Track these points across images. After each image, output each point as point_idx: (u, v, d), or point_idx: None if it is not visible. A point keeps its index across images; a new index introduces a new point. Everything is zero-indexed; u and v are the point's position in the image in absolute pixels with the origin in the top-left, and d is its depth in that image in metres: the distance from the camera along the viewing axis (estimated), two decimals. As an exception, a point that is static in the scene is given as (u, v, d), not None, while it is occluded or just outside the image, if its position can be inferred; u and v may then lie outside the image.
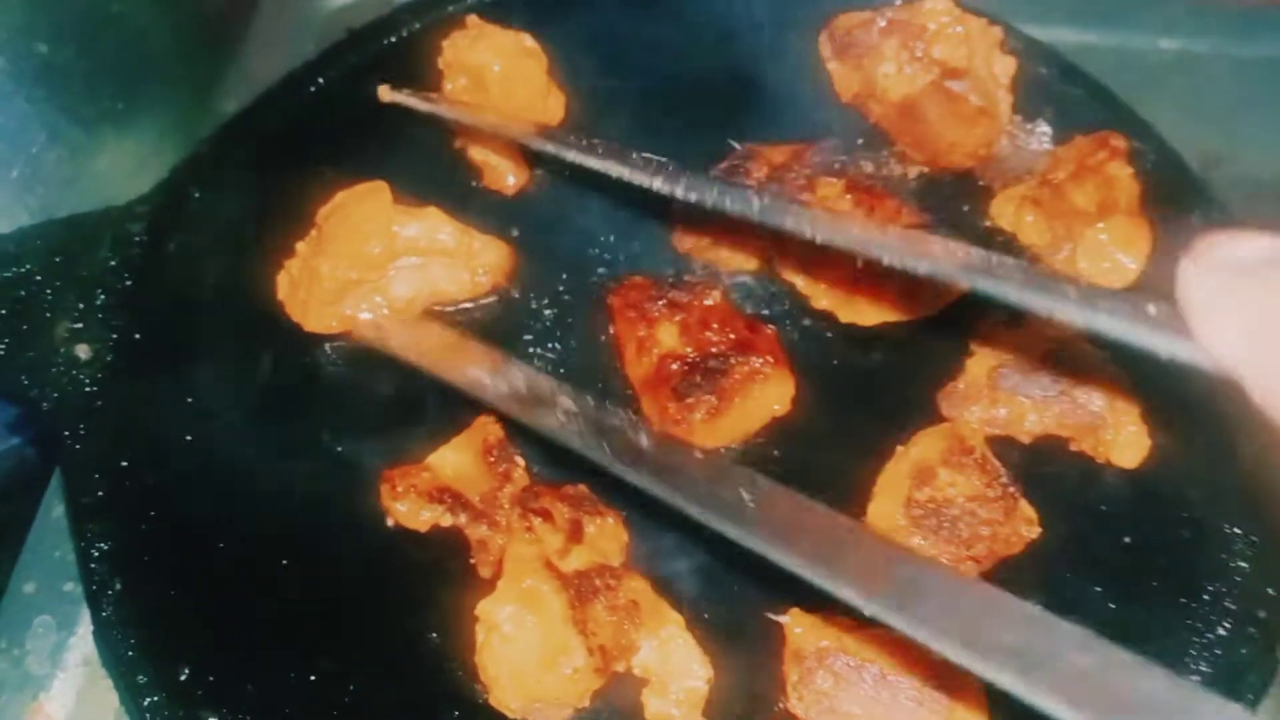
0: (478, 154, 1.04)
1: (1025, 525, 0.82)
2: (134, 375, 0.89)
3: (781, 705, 0.77)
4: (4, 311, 0.89)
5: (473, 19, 1.04)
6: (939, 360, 0.91)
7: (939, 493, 0.82)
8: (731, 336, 0.90)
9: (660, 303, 0.92)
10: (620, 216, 1.01)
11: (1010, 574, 0.80)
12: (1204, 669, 0.76)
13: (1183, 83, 1.24)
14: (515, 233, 1.00)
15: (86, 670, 0.87)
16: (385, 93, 1.00)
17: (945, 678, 0.73)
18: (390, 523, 0.85)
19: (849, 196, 0.95)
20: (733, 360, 0.88)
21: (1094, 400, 0.86)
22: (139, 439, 0.86)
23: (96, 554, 0.80)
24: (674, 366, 0.88)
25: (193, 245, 0.96)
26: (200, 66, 1.27)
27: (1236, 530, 0.81)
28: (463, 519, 0.83)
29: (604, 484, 0.84)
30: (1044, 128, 1.03)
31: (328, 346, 0.94)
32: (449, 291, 0.96)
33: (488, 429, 0.87)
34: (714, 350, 0.89)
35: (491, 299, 0.98)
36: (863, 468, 0.85)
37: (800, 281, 0.96)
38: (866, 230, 0.71)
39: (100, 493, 0.83)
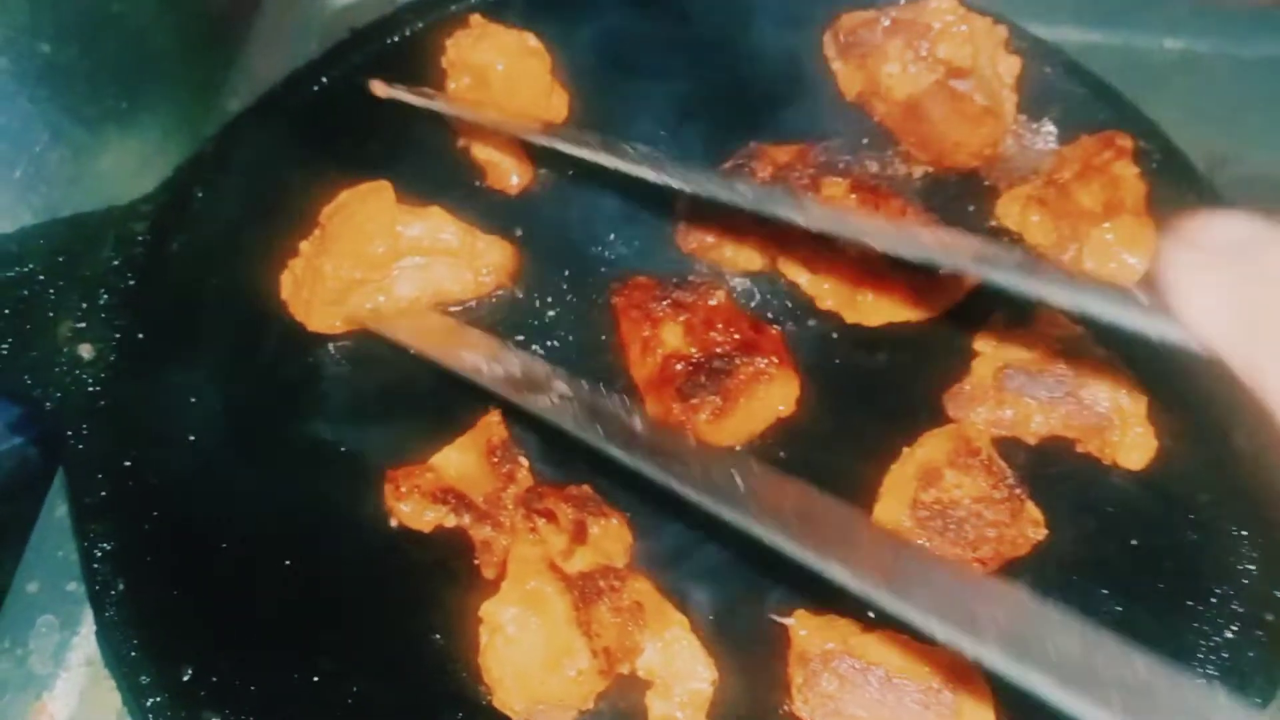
0: (481, 153, 1.04)
1: (1031, 527, 0.82)
2: (137, 375, 0.89)
3: (786, 708, 0.76)
4: (7, 311, 0.89)
5: (476, 18, 1.04)
6: (944, 361, 0.91)
7: (945, 494, 0.82)
8: (736, 337, 0.89)
9: (665, 303, 0.92)
10: (624, 216, 1.00)
11: (1016, 576, 0.80)
12: (1211, 672, 0.76)
13: (1187, 82, 1.23)
14: (519, 232, 1.00)
15: (89, 670, 0.87)
16: (380, 88, 0.99)
17: (951, 680, 0.73)
18: (393, 523, 0.85)
19: (854, 196, 0.94)
20: (738, 361, 0.88)
21: (1100, 401, 0.86)
22: (142, 439, 0.86)
23: (99, 554, 0.80)
24: (679, 367, 0.88)
25: (196, 245, 0.96)
26: (203, 66, 1.27)
27: (1244, 532, 0.81)
28: (466, 520, 0.83)
29: (608, 485, 0.84)
30: (1049, 127, 1.03)
31: (331, 346, 0.94)
32: (452, 291, 0.96)
33: (491, 429, 0.87)
34: (719, 350, 0.88)
35: (495, 299, 0.97)
36: (868, 469, 0.85)
37: (805, 282, 0.96)
38: (857, 217, 0.70)
39: (103, 492, 0.83)
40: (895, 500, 0.82)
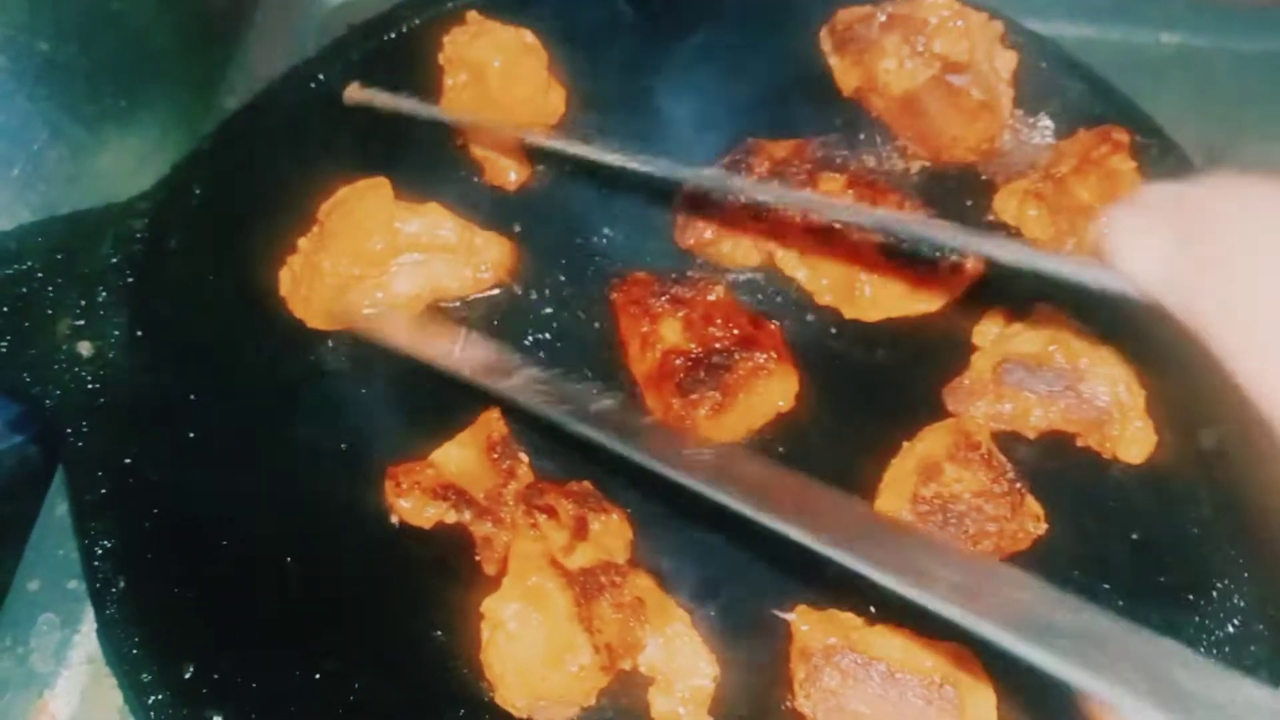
0: (479, 150, 1.04)
1: (1032, 521, 0.82)
2: (136, 372, 0.88)
3: (788, 703, 0.77)
4: (6, 309, 0.89)
5: (473, 15, 1.04)
6: (944, 355, 0.91)
7: (945, 488, 0.82)
8: (735, 332, 0.89)
9: (663, 298, 0.92)
10: (622, 212, 1.00)
11: (1016, 570, 0.80)
12: (1212, 666, 0.76)
13: (1184, 77, 1.24)
14: (517, 228, 1.00)
15: (91, 668, 0.87)
16: (353, 92, 0.98)
17: (954, 675, 0.73)
18: (394, 520, 0.85)
19: (851, 191, 0.94)
20: (737, 356, 0.88)
21: (1100, 395, 0.86)
22: (142, 436, 0.85)
23: (100, 552, 0.80)
24: (678, 362, 0.88)
25: (195, 242, 0.95)
26: (201, 63, 1.27)
27: (1245, 527, 0.81)
28: (467, 516, 0.83)
29: (609, 480, 0.84)
30: (1046, 122, 1.03)
31: (330, 343, 0.94)
32: (451, 287, 0.96)
33: (492, 425, 0.87)
34: (718, 346, 0.89)
35: (493, 295, 0.97)
36: (868, 463, 0.85)
37: (803, 277, 0.96)
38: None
39: (103, 490, 0.82)
40: (895, 495, 0.83)
